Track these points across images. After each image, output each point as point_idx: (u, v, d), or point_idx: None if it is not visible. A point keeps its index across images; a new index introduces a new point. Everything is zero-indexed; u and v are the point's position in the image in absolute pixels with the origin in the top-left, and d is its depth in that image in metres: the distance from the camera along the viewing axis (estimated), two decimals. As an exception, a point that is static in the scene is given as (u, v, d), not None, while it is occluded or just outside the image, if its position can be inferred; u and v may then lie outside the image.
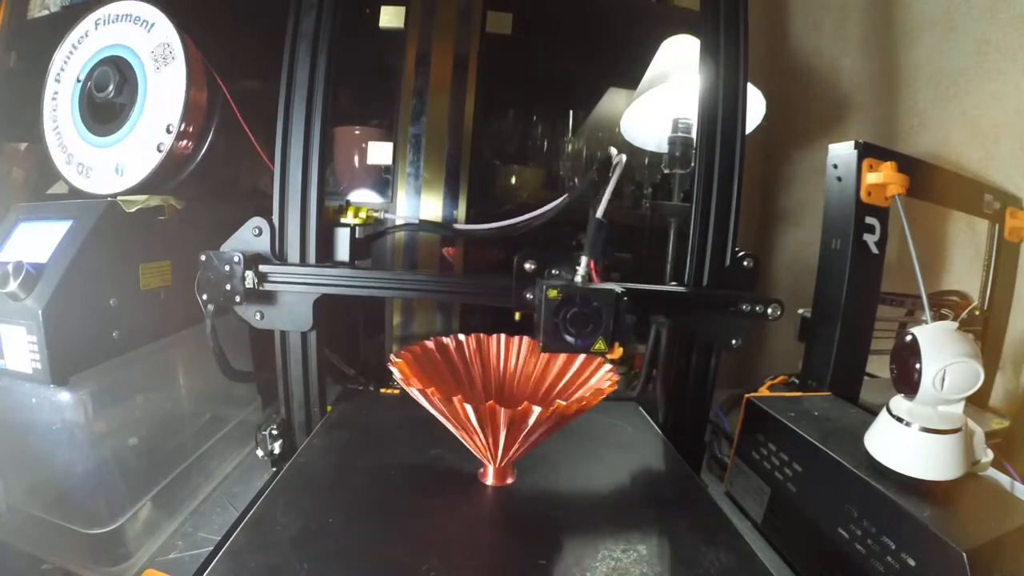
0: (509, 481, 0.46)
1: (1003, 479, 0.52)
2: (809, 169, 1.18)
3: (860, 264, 0.61)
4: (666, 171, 0.76)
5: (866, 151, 0.61)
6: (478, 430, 0.41)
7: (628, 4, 0.96)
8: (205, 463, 0.64)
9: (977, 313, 0.74)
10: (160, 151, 0.59)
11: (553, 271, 0.50)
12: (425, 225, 0.77)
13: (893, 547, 0.38)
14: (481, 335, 0.55)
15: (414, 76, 0.83)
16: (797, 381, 0.70)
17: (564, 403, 0.40)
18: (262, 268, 0.53)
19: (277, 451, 0.59)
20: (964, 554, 0.33)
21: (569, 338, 0.46)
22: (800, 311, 0.70)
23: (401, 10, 0.83)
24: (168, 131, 0.59)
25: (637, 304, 0.51)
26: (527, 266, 0.51)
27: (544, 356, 0.54)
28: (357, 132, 0.90)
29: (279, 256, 0.55)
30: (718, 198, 0.56)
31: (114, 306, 0.54)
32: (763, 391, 0.68)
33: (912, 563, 0.36)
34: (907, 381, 0.41)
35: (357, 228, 0.59)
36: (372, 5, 0.84)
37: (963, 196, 0.71)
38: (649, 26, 0.85)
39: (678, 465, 0.52)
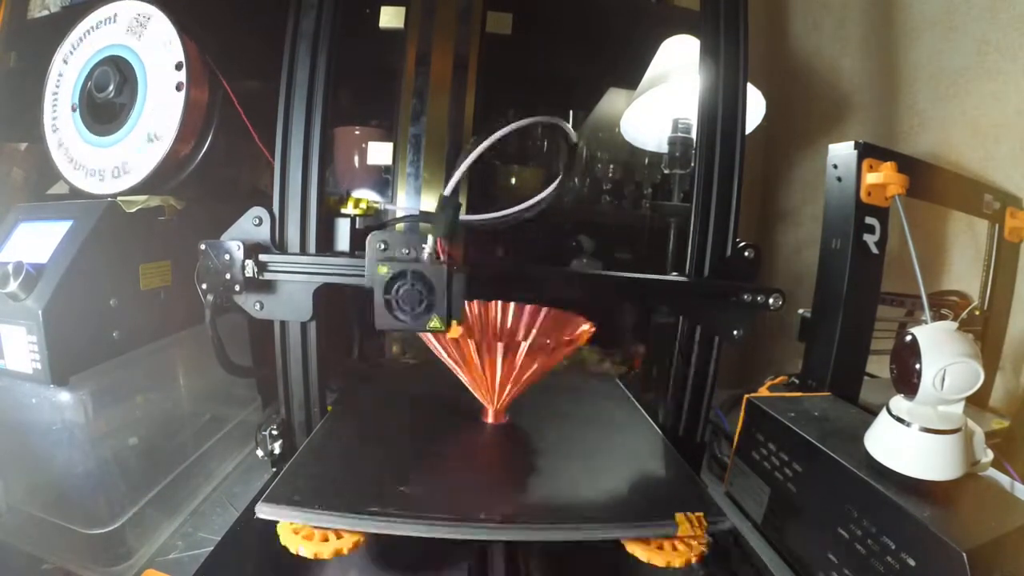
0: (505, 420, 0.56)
1: (1003, 479, 0.52)
2: (809, 169, 1.18)
3: (860, 264, 0.61)
4: (666, 171, 0.76)
5: (866, 151, 0.61)
6: (480, 367, 0.50)
7: (628, 4, 0.96)
8: (205, 463, 0.64)
9: (977, 313, 0.74)
10: (156, 156, 0.59)
11: (403, 250, 0.49)
12: (425, 216, 0.77)
13: (893, 547, 0.38)
14: (483, 301, 0.62)
15: (414, 76, 0.83)
16: (797, 381, 0.70)
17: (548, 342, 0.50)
18: (262, 257, 0.53)
19: (277, 451, 0.59)
20: (964, 554, 0.33)
21: (401, 315, 0.46)
22: (800, 311, 0.70)
23: (401, 10, 0.83)
24: (164, 137, 0.59)
25: (638, 295, 0.54)
26: (379, 246, 0.49)
27: (531, 314, 0.62)
28: (357, 132, 0.90)
29: (279, 246, 0.55)
30: (718, 190, 0.56)
31: (114, 306, 0.54)
32: (763, 391, 0.68)
33: (912, 563, 0.36)
34: (907, 381, 0.41)
35: (357, 218, 0.59)
36: (372, 5, 0.84)
37: (963, 196, 0.71)
38: (649, 26, 0.85)
39: (678, 465, 0.52)
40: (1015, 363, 0.76)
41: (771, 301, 0.54)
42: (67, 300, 0.48)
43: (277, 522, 0.38)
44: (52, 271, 0.49)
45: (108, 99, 0.60)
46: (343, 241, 0.58)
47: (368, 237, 0.49)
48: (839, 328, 0.62)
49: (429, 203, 0.83)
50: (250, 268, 0.52)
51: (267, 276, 0.53)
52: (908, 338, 0.41)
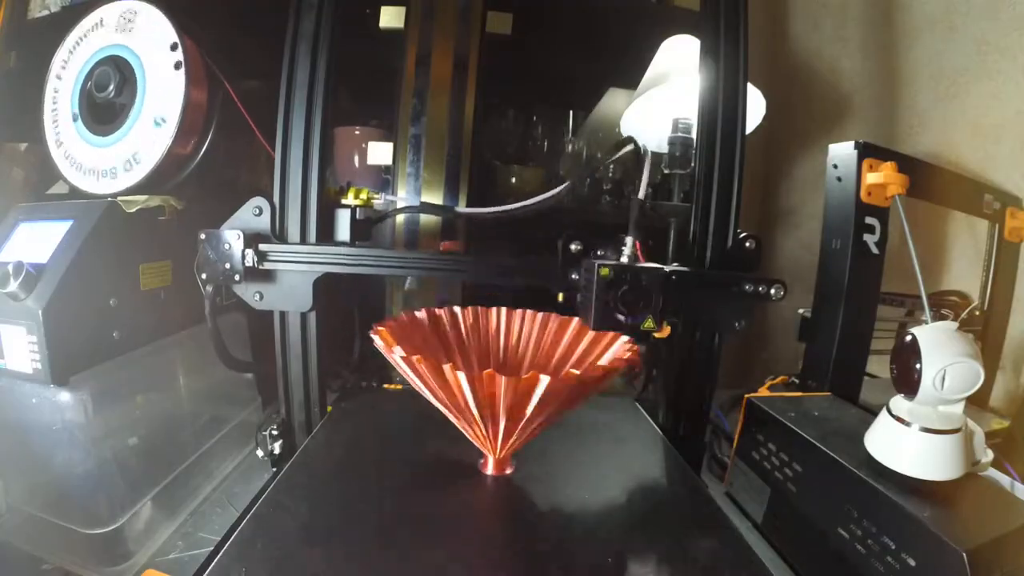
0: (508, 472, 0.43)
1: (1003, 479, 0.52)
2: (809, 169, 1.18)
3: (860, 264, 0.61)
4: (666, 171, 0.76)
5: (866, 151, 0.61)
6: (474, 410, 0.36)
7: (628, 4, 0.96)
8: (205, 463, 0.64)
9: (977, 313, 0.74)
10: (166, 138, 0.59)
11: (598, 252, 0.51)
12: (427, 207, 0.77)
13: (893, 547, 0.38)
14: (478, 307, 0.52)
15: (414, 76, 0.83)
16: (797, 381, 0.70)
17: (577, 372, 0.35)
18: (262, 247, 0.53)
19: (277, 451, 0.59)
20: (964, 554, 0.33)
21: (620, 316, 0.46)
22: (800, 311, 0.70)
23: (401, 10, 0.83)
24: (170, 119, 0.59)
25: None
26: (572, 247, 0.51)
27: (550, 329, 0.52)
28: (357, 132, 0.90)
29: (279, 236, 0.55)
30: (719, 188, 0.56)
31: (114, 306, 0.54)
32: (763, 391, 0.68)
33: (912, 563, 0.36)
34: (907, 381, 0.41)
35: (358, 209, 0.59)
36: (372, 5, 0.84)
37: (963, 196, 0.71)
38: (649, 26, 0.85)
39: (678, 465, 0.52)
40: (1015, 363, 0.76)
41: (772, 291, 0.54)
42: (67, 300, 0.48)
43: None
44: (52, 271, 0.49)
45: (108, 99, 0.60)
46: (343, 231, 0.58)
47: (561, 238, 0.50)
48: (839, 328, 0.61)
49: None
50: (250, 257, 0.52)
51: (267, 266, 0.53)
52: (908, 338, 0.41)
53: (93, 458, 0.50)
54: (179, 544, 0.54)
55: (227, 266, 0.52)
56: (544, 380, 0.34)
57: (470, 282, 0.76)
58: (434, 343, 0.50)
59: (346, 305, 0.77)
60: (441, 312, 0.51)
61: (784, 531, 0.51)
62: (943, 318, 0.70)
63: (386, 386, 0.64)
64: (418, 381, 0.39)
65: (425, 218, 0.82)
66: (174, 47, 0.59)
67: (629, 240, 0.48)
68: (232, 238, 0.52)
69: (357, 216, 0.59)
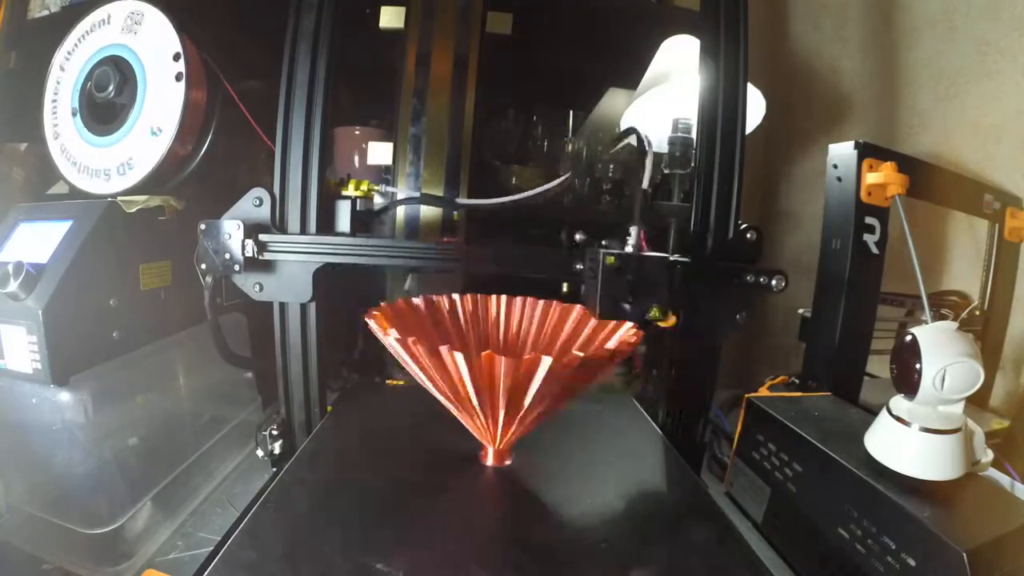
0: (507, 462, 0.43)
1: (1003, 479, 0.52)
2: (809, 169, 1.18)
3: (860, 264, 0.61)
4: (666, 171, 0.76)
5: (866, 151, 0.61)
6: (472, 395, 0.35)
7: (628, 4, 0.96)
8: (205, 463, 0.64)
9: (977, 313, 0.74)
10: (161, 149, 0.59)
11: (603, 242, 0.51)
12: (427, 198, 0.77)
13: (893, 547, 0.38)
14: (477, 295, 0.51)
15: (414, 76, 0.83)
16: (797, 381, 0.70)
17: (581, 354, 0.33)
18: (262, 237, 0.53)
19: (277, 451, 0.59)
20: (964, 554, 0.33)
21: (626, 305, 0.46)
22: (800, 311, 0.70)
23: (401, 10, 0.83)
24: (167, 129, 0.59)
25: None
26: (577, 237, 0.52)
27: (552, 317, 0.51)
28: (357, 132, 0.90)
29: (279, 227, 0.55)
30: (719, 177, 0.56)
31: (114, 306, 0.54)
32: (763, 391, 0.68)
33: (912, 563, 0.36)
34: (907, 381, 0.41)
35: (358, 200, 0.59)
36: (372, 5, 0.84)
37: (963, 196, 0.71)
38: (649, 26, 0.85)
39: (677, 464, 0.51)
40: (1015, 363, 0.76)
41: (774, 282, 0.53)
42: (67, 300, 0.48)
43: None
44: (52, 271, 0.49)
45: (108, 99, 0.60)
46: (344, 222, 0.58)
47: (565, 229, 0.49)
48: (839, 328, 0.61)
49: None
50: (250, 248, 0.52)
51: (267, 256, 0.53)
52: (908, 338, 0.41)
53: (93, 458, 0.50)
54: (179, 544, 0.54)
55: (227, 256, 0.52)
56: (546, 361, 0.33)
57: (470, 278, 0.76)
58: (431, 331, 0.49)
59: (347, 305, 0.77)
60: (440, 299, 0.50)
61: (784, 531, 0.51)
62: (943, 318, 0.70)
63: (388, 381, 0.64)
64: (414, 366, 0.38)
65: (425, 216, 0.82)
66: (176, 57, 0.59)
67: (634, 230, 0.49)
68: (232, 228, 0.51)
69: (357, 208, 0.59)
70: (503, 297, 0.52)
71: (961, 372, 0.39)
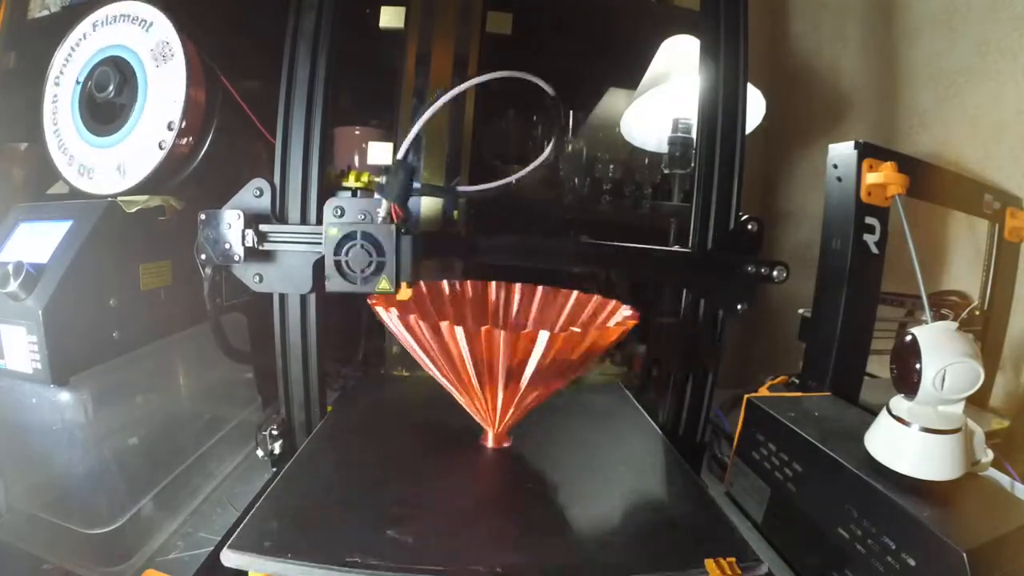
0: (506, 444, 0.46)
1: (1003, 479, 0.52)
2: (809, 169, 1.18)
3: (860, 264, 0.61)
4: (666, 171, 0.76)
5: (866, 151, 0.61)
6: (471, 373, 0.36)
7: (628, 4, 0.96)
8: (205, 463, 0.64)
9: (977, 313, 0.74)
10: (161, 148, 0.59)
11: (359, 215, 0.50)
12: (426, 189, 0.77)
13: (893, 547, 0.38)
14: (476, 281, 0.52)
15: (414, 76, 0.83)
16: (797, 381, 0.70)
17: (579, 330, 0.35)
18: (262, 227, 0.53)
19: (277, 451, 0.59)
20: (964, 554, 0.33)
21: (351, 276, 0.47)
22: (800, 311, 0.70)
23: (401, 10, 0.83)
24: (169, 128, 0.59)
25: (642, 267, 0.54)
26: (335, 211, 0.50)
27: (550, 301, 0.52)
28: (357, 132, 0.90)
29: (280, 217, 0.55)
30: (720, 174, 0.56)
31: (114, 306, 0.54)
32: (763, 391, 0.68)
33: (912, 563, 0.36)
34: (907, 381, 0.41)
35: (358, 192, 0.59)
36: (372, 5, 0.84)
37: (963, 196, 0.71)
38: (649, 26, 0.85)
39: (676, 464, 0.52)
40: (1015, 363, 0.76)
41: (775, 273, 0.54)
42: (67, 300, 0.48)
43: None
44: (52, 271, 0.49)
45: (108, 99, 0.60)
46: None
47: (325, 203, 0.49)
48: (839, 328, 0.61)
49: (429, 203, 0.84)
50: (250, 238, 0.52)
51: (267, 246, 0.53)
52: (908, 338, 0.41)
53: (93, 458, 0.50)
54: (179, 544, 0.54)
55: (227, 246, 0.51)
56: (544, 335, 0.35)
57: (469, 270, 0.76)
58: (432, 314, 0.50)
59: (346, 298, 0.77)
60: (441, 284, 0.51)
61: (784, 531, 0.51)
62: (943, 318, 0.70)
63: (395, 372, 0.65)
64: (415, 345, 0.39)
65: (425, 214, 0.82)
66: (176, 57, 0.59)
67: (384, 202, 0.47)
68: (232, 218, 0.51)
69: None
70: (502, 283, 0.53)
71: (961, 372, 0.39)
